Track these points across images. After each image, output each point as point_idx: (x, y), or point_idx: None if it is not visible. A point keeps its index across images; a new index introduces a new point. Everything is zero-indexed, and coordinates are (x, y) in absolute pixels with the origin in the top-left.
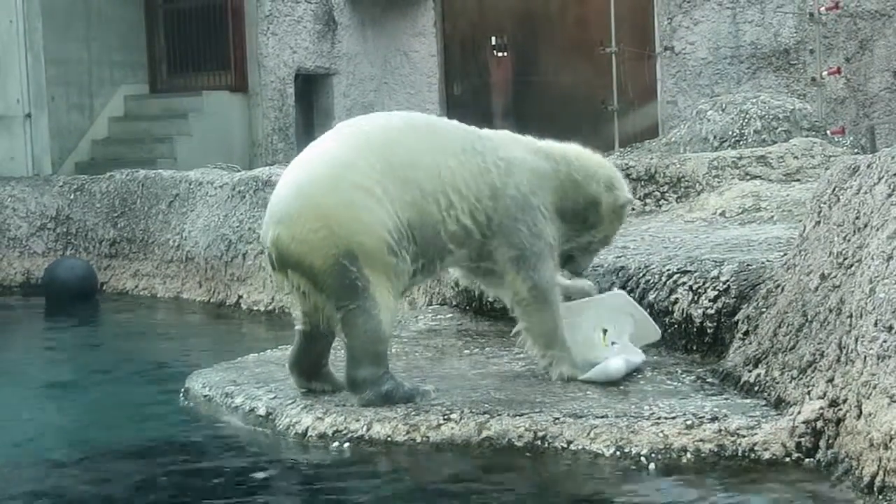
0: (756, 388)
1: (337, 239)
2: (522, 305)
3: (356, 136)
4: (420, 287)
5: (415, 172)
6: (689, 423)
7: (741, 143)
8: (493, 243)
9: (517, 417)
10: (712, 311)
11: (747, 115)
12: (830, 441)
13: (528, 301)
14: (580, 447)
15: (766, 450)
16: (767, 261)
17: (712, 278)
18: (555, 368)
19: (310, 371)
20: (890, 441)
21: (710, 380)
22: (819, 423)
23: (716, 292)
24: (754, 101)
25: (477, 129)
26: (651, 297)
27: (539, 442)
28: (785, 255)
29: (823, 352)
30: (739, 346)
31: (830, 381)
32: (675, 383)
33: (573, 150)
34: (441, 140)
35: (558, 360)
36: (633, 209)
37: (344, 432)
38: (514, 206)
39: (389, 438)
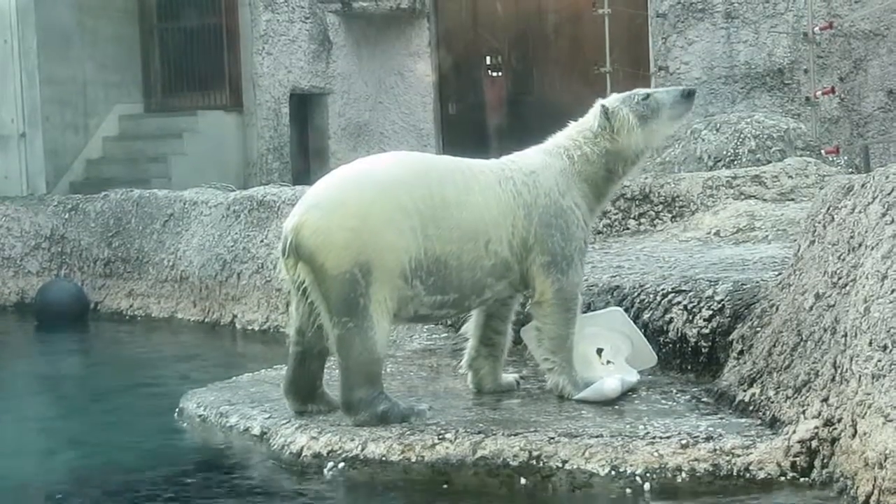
0: (751, 408)
1: (360, 246)
2: (543, 305)
3: (414, 162)
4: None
5: (459, 212)
6: (684, 442)
7: (735, 162)
8: (529, 258)
9: (512, 437)
10: (707, 331)
11: (741, 135)
12: (825, 460)
13: (550, 302)
14: (575, 467)
15: (761, 469)
16: (762, 280)
17: (707, 298)
18: (554, 376)
19: (305, 394)
20: (885, 460)
21: (704, 399)
22: (814, 443)
23: (710, 311)
24: (748, 120)
25: (505, 157)
26: (646, 316)
27: (534, 461)
28: (779, 274)
29: (818, 371)
30: (734, 366)
31: (825, 400)
32: (670, 402)
33: (570, 130)
34: (480, 177)
35: (560, 369)
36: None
37: (339, 452)
38: (547, 214)
39: (384, 458)
